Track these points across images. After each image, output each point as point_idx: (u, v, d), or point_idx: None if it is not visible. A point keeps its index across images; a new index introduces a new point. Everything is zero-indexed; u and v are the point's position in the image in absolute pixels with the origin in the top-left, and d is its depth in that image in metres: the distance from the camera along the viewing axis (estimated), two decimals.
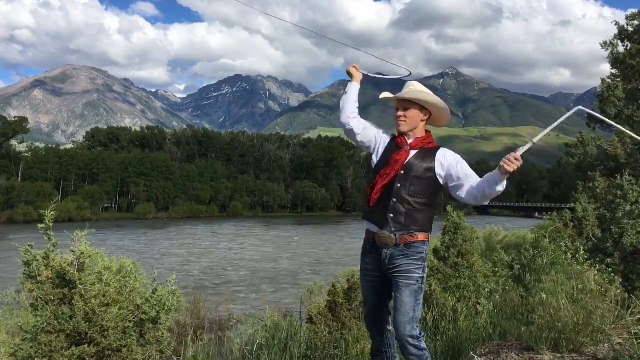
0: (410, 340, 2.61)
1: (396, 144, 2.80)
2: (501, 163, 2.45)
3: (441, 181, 2.72)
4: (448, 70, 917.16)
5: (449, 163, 2.71)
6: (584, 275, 4.28)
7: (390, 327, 2.86)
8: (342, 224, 70.70)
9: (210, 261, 31.74)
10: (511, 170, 2.42)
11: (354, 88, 3.00)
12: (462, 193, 2.67)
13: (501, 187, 2.52)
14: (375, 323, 2.89)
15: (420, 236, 2.70)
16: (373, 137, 2.89)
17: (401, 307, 2.63)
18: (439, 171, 2.71)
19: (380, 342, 2.91)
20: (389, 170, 2.71)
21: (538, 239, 6.22)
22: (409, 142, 2.78)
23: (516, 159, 2.42)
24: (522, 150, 2.48)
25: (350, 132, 2.91)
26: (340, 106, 2.99)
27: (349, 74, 3.04)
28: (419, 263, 2.68)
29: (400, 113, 2.80)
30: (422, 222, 2.71)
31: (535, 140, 2.50)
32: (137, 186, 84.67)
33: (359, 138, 2.90)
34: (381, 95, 2.98)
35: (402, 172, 2.70)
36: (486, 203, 2.68)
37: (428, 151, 2.75)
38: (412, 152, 2.74)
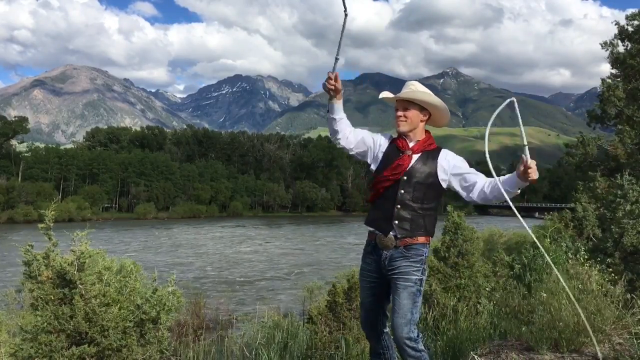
0: (407, 342, 2.60)
1: (397, 147, 2.77)
2: (531, 175, 2.42)
3: (444, 185, 2.72)
4: (448, 70, 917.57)
5: (451, 167, 2.71)
6: (585, 275, 4.28)
7: (387, 330, 2.86)
8: (342, 224, 70.69)
9: (210, 261, 31.74)
10: (536, 177, 2.43)
11: (335, 105, 2.72)
12: (474, 195, 2.67)
13: (516, 191, 2.55)
14: (371, 325, 2.89)
15: (421, 239, 2.69)
16: (368, 148, 2.82)
17: (399, 309, 2.63)
18: (442, 176, 2.71)
19: (376, 344, 2.92)
20: (391, 175, 2.70)
21: (538, 238, 6.22)
22: (410, 145, 2.76)
23: (533, 167, 2.44)
24: (529, 156, 2.46)
25: (344, 149, 2.85)
26: (329, 127, 2.80)
27: (329, 90, 2.67)
28: (418, 265, 2.68)
29: (400, 113, 2.78)
30: (426, 226, 2.71)
31: (525, 142, 2.50)
32: (137, 186, 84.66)
33: (352, 152, 2.84)
34: (380, 95, 2.96)
35: (405, 177, 2.69)
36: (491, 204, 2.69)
37: (430, 154, 2.74)
38: (414, 157, 2.73)
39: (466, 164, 2.74)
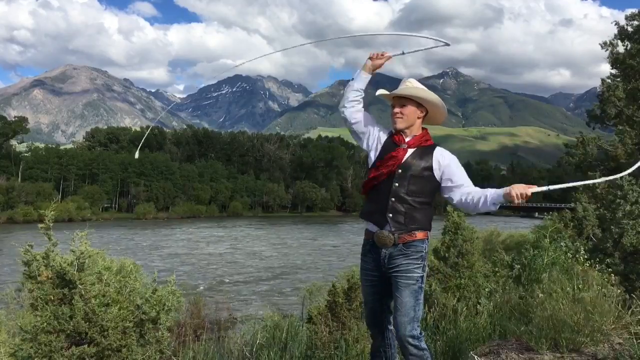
0: (410, 340, 2.60)
1: (393, 141, 2.78)
2: (512, 193, 2.45)
3: (438, 179, 2.72)
4: (448, 70, 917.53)
5: (446, 164, 2.71)
6: (584, 275, 4.29)
7: (391, 327, 2.86)
8: (342, 224, 70.68)
9: (210, 261, 31.73)
10: (516, 203, 2.46)
11: (361, 75, 2.86)
12: (455, 198, 2.68)
13: (496, 208, 2.57)
14: (375, 323, 2.88)
15: (419, 235, 2.69)
16: (367, 131, 2.85)
17: (401, 307, 2.62)
18: (437, 170, 2.71)
19: (380, 342, 2.90)
20: (385, 168, 2.70)
21: (538, 239, 6.23)
22: (406, 140, 2.77)
23: (527, 196, 2.44)
24: (536, 189, 2.49)
25: (345, 120, 2.88)
26: (346, 92, 2.88)
27: (374, 59, 2.85)
28: (419, 262, 2.67)
29: (396, 110, 2.78)
30: (422, 221, 2.70)
31: (551, 187, 2.57)
32: (137, 186, 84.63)
33: (352, 127, 2.87)
34: (377, 92, 2.95)
35: (400, 170, 2.69)
36: (472, 214, 2.70)
37: (425, 149, 2.75)
38: (410, 151, 2.73)
39: (461, 168, 2.74)
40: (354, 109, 2.86)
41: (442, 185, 2.72)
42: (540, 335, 3.34)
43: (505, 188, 2.53)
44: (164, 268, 25.48)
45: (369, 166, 2.83)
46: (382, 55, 2.85)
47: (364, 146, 2.87)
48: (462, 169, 2.74)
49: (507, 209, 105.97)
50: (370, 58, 2.84)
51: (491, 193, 2.57)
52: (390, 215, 2.68)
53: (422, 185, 2.70)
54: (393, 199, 2.68)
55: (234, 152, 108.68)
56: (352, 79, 2.87)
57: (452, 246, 6.09)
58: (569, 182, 2.74)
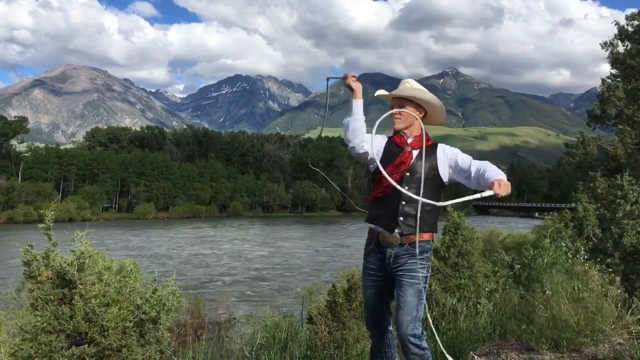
0: (412, 339, 2.60)
1: (395, 143, 2.78)
2: (495, 188, 2.44)
3: (445, 179, 2.73)
4: (448, 70, 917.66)
5: (449, 158, 2.73)
6: (585, 275, 4.28)
7: (391, 328, 2.86)
8: (342, 224, 70.67)
9: (210, 261, 31.73)
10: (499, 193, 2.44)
11: (359, 106, 2.73)
12: (473, 183, 2.67)
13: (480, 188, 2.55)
14: (376, 323, 2.88)
15: (426, 235, 2.70)
16: (377, 150, 2.77)
17: (404, 305, 2.62)
18: (442, 169, 2.72)
19: (380, 342, 2.90)
20: (395, 173, 2.68)
21: (539, 239, 6.22)
22: (409, 141, 2.76)
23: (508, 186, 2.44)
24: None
25: (364, 154, 2.74)
26: (350, 129, 2.71)
27: (350, 87, 2.74)
28: (424, 262, 2.69)
29: (395, 110, 2.79)
30: (430, 223, 2.72)
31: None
32: (137, 186, 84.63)
33: (365, 157, 2.76)
34: (376, 92, 2.95)
35: (408, 174, 2.69)
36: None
37: (428, 149, 2.75)
38: (415, 153, 2.73)
39: (464, 155, 2.75)
40: (364, 144, 2.72)
41: (459, 178, 2.72)
42: (540, 335, 3.34)
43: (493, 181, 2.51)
44: (164, 268, 25.47)
45: (373, 171, 2.78)
46: (353, 75, 2.74)
47: (373, 161, 2.78)
48: (467, 156, 2.74)
49: (507, 209, 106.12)
50: (350, 84, 2.72)
51: (487, 175, 2.56)
52: (401, 218, 2.67)
53: (430, 187, 2.70)
54: (404, 202, 2.67)
55: (234, 152, 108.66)
56: (352, 113, 2.73)
57: (452, 246, 6.09)
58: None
